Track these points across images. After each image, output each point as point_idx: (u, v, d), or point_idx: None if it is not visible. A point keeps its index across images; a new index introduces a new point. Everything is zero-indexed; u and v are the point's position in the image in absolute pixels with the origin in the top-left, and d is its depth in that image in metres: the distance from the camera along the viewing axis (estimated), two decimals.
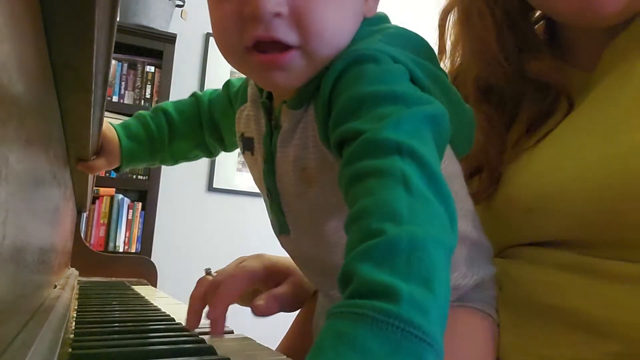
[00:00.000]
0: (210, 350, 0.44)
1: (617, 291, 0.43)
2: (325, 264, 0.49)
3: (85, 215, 2.15)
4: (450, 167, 0.45)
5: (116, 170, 0.67)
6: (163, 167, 2.41)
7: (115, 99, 2.35)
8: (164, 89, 2.36)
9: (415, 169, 0.32)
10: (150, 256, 2.14)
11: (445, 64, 0.64)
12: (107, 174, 2.28)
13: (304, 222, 0.49)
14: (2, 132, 0.24)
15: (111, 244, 2.26)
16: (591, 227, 0.45)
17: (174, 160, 0.68)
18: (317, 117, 0.42)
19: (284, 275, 0.62)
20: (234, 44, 0.41)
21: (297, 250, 0.52)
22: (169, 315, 0.66)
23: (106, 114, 0.57)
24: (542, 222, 0.49)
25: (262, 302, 0.56)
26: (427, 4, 0.96)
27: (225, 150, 0.67)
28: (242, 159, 2.60)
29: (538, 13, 0.61)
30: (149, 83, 2.41)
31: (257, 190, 0.54)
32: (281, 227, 0.51)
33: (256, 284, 0.59)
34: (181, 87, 2.42)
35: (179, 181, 2.51)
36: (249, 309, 0.61)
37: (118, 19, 0.38)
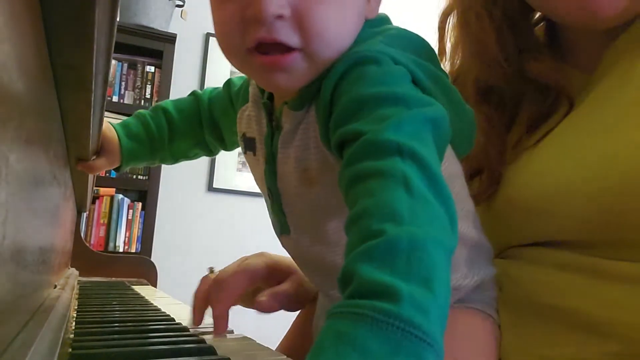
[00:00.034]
0: (210, 350, 0.44)
1: (617, 291, 0.43)
2: (326, 264, 0.49)
3: (85, 215, 2.15)
4: (450, 168, 0.45)
5: (116, 169, 0.67)
6: (163, 166, 2.41)
7: (115, 99, 2.35)
8: (164, 89, 2.36)
9: (415, 170, 0.32)
10: (150, 256, 2.14)
11: (445, 66, 0.64)
12: (107, 174, 2.28)
13: (304, 223, 0.49)
14: (2, 132, 0.24)
15: (111, 244, 2.26)
16: (591, 227, 0.45)
17: (174, 159, 0.68)
18: (318, 118, 0.42)
19: (286, 273, 0.62)
20: (236, 45, 0.41)
21: (297, 251, 0.53)
22: (169, 315, 0.66)
23: (106, 114, 0.57)
24: (542, 222, 0.49)
25: (265, 298, 0.56)
26: (428, 5, 0.96)
27: (225, 149, 0.67)
28: (242, 159, 2.61)
29: (538, 14, 0.61)
30: (149, 83, 2.41)
31: (257, 190, 0.54)
32: (282, 228, 0.51)
33: (259, 282, 0.60)
34: (181, 87, 2.42)
35: (179, 181, 2.51)
36: (249, 310, 0.61)
37: (118, 19, 0.38)
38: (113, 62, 2.29)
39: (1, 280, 0.27)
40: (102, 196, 2.28)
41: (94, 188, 1.95)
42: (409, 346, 0.25)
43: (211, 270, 0.60)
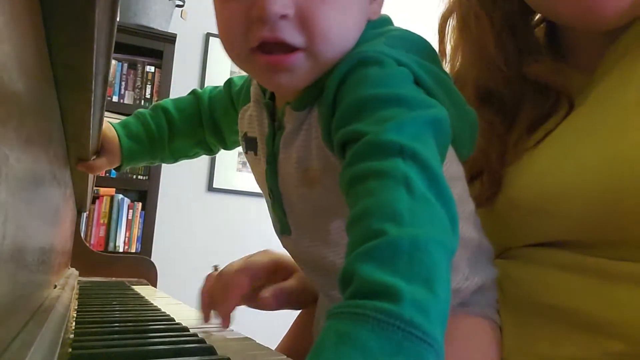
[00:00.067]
0: (210, 350, 0.44)
1: (619, 291, 0.43)
2: (326, 264, 0.49)
3: (85, 215, 2.15)
4: (452, 169, 0.45)
5: (116, 169, 0.67)
6: (163, 166, 2.41)
7: (115, 99, 2.35)
8: (164, 89, 2.36)
9: (417, 171, 0.32)
10: (150, 256, 2.14)
11: (445, 68, 0.64)
12: (107, 174, 2.28)
13: (305, 223, 0.49)
14: (2, 131, 0.24)
15: (111, 244, 2.26)
16: (592, 227, 0.45)
17: (174, 158, 0.68)
18: (320, 119, 0.42)
19: (291, 270, 0.62)
20: (239, 45, 0.41)
21: (297, 251, 0.53)
22: (169, 315, 0.66)
23: (106, 114, 0.57)
24: (543, 223, 0.49)
25: (268, 294, 0.57)
26: (428, 5, 0.96)
27: (226, 148, 0.67)
28: (242, 159, 2.61)
29: (538, 15, 0.61)
30: (149, 83, 2.40)
31: (257, 190, 0.54)
32: (282, 228, 0.51)
33: (263, 279, 0.60)
34: (181, 87, 2.42)
35: (179, 181, 2.51)
36: (249, 310, 0.61)
37: (118, 19, 0.38)
38: (113, 62, 2.29)
39: (1, 280, 0.27)
40: (102, 196, 2.28)
41: (94, 188, 1.95)
42: (410, 346, 0.25)
43: (216, 268, 0.61)
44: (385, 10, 0.47)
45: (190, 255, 2.48)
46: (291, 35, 0.39)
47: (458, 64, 0.63)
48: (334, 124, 0.39)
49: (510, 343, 0.49)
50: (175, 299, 0.94)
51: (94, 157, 0.65)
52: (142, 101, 2.39)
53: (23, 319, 0.39)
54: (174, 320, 0.62)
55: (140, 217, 2.31)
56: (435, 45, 0.48)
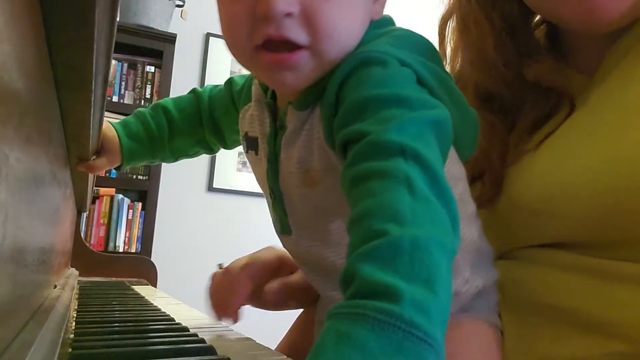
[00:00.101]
0: (210, 350, 0.44)
1: (619, 291, 0.43)
2: (326, 264, 0.49)
3: (85, 215, 2.15)
4: (453, 169, 0.45)
5: (117, 169, 0.67)
6: (163, 166, 2.41)
7: (115, 99, 2.35)
8: (164, 89, 2.36)
9: (418, 171, 0.32)
10: (150, 256, 2.14)
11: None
12: (107, 174, 2.28)
13: (306, 223, 0.49)
14: (2, 131, 0.24)
15: (111, 244, 2.26)
16: (594, 228, 0.45)
17: (174, 157, 0.68)
18: (322, 119, 0.42)
19: (295, 266, 0.62)
20: (243, 43, 0.41)
21: (298, 251, 0.53)
22: (169, 315, 0.66)
23: (106, 114, 0.58)
24: (544, 223, 0.49)
25: (274, 287, 0.57)
26: (428, 6, 0.96)
27: (226, 148, 0.67)
28: (242, 159, 2.61)
29: (538, 17, 0.61)
30: (149, 83, 2.40)
31: (257, 190, 0.54)
32: (283, 228, 0.51)
33: (269, 274, 0.60)
34: (181, 87, 2.41)
35: (179, 181, 2.51)
36: (250, 310, 0.61)
37: (118, 19, 0.38)
38: (113, 62, 2.29)
39: (1, 280, 0.27)
40: (102, 196, 2.28)
41: (94, 188, 1.95)
42: (410, 347, 0.25)
43: (220, 267, 0.61)
44: (385, 10, 0.47)
45: (190, 255, 2.48)
46: (296, 33, 0.39)
47: (458, 65, 0.63)
48: (335, 124, 0.39)
49: (511, 343, 0.49)
50: (175, 299, 0.94)
51: (94, 157, 0.65)
52: (142, 101, 2.39)
53: (23, 319, 0.39)
54: (174, 320, 0.62)
55: (140, 217, 2.31)
56: (436, 45, 0.48)
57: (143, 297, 0.90)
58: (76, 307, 0.70)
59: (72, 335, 0.48)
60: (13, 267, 0.30)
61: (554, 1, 0.50)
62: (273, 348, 0.55)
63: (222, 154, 2.24)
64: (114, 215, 2.27)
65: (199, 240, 2.54)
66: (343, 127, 0.37)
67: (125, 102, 2.37)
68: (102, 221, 2.27)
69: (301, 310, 0.69)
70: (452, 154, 0.45)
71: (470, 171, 0.53)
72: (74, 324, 0.56)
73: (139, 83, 2.40)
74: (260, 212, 0.73)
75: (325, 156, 0.43)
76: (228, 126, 0.62)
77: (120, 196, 2.31)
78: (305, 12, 0.39)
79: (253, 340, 0.55)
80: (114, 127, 0.64)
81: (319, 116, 0.43)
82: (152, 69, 2.41)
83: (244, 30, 0.40)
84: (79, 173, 0.71)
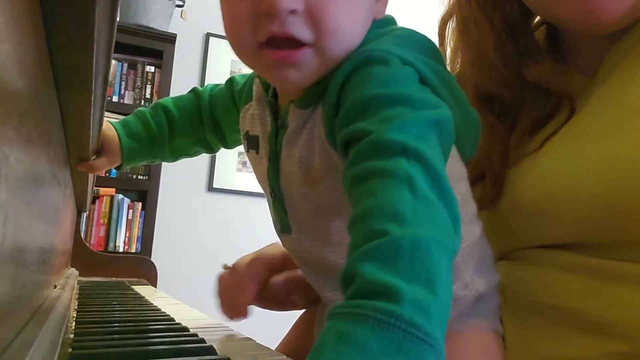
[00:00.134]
0: (210, 350, 0.44)
1: (620, 291, 0.43)
2: (326, 264, 0.49)
3: (85, 215, 2.15)
4: (455, 169, 0.45)
5: (117, 168, 0.67)
6: (163, 166, 2.41)
7: (115, 99, 2.35)
8: (163, 89, 2.36)
9: (420, 171, 0.32)
10: (150, 256, 2.14)
11: None
12: (107, 174, 2.28)
13: (306, 222, 0.49)
14: (2, 131, 0.24)
15: (111, 244, 2.26)
16: (593, 229, 0.45)
17: (175, 157, 0.68)
18: (324, 117, 0.42)
19: None
20: (247, 40, 0.41)
21: (298, 250, 0.52)
22: (169, 315, 0.66)
23: (106, 114, 0.58)
24: (544, 224, 0.49)
25: (280, 279, 0.57)
26: (428, 8, 0.96)
27: (226, 147, 0.67)
28: (242, 159, 2.61)
29: (538, 18, 0.61)
30: (149, 83, 2.40)
31: (257, 190, 0.54)
32: (283, 227, 0.51)
33: (275, 271, 0.60)
34: (181, 87, 2.41)
35: (179, 181, 2.51)
36: (251, 310, 0.61)
37: (118, 19, 0.38)
38: (113, 62, 2.29)
39: (1, 280, 0.27)
40: (102, 196, 2.28)
41: (94, 188, 1.95)
42: (410, 347, 0.25)
43: (226, 267, 0.61)
44: (386, 10, 0.47)
45: (190, 255, 2.48)
46: (300, 30, 0.39)
47: (458, 66, 0.63)
48: (337, 123, 0.39)
49: (511, 343, 0.49)
50: (175, 299, 0.94)
51: (94, 156, 0.65)
52: (142, 101, 2.39)
53: (23, 319, 0.39)
54: (174, 320, 0.62)
55: (140, 217, 2.31)
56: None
57: (143, 297, 0.90)
58: (76, 307, 0.70)
59: (72, 335, 0.48)
60: (13, 267, 0.30)
61: (553, 2, 0.50)
62: (273, 348, 0.55)
63: (222, 154, 2.24)
64: (114, 215, 2.27)
65: (199, 240, 2.54)
66: (345, 126, 0.37)
67: (125, 102, 2.37)
68: (102, 221, 2.27)
69: (302, 311, 0.69)
70: (454, 153, 0.44)
71: (471, 173, 0.53)
72: (74, 324, 0.56)
73: (139, 83, 2.40)
74: (260, 212, 0.73)
75: (326, 155, 0.43)
76: (229, 125, 0.62)
77: (120, 196, 2.31)
78: (310, 9, 0.39)
79: (253, 340, 0.55)
80: (114, 126, 0.64)
81: (320, 115, 0.43)
82: (152, 69, 2.41)
83: (247, 27, 0.40)
84: (79, 173, 0.71)
